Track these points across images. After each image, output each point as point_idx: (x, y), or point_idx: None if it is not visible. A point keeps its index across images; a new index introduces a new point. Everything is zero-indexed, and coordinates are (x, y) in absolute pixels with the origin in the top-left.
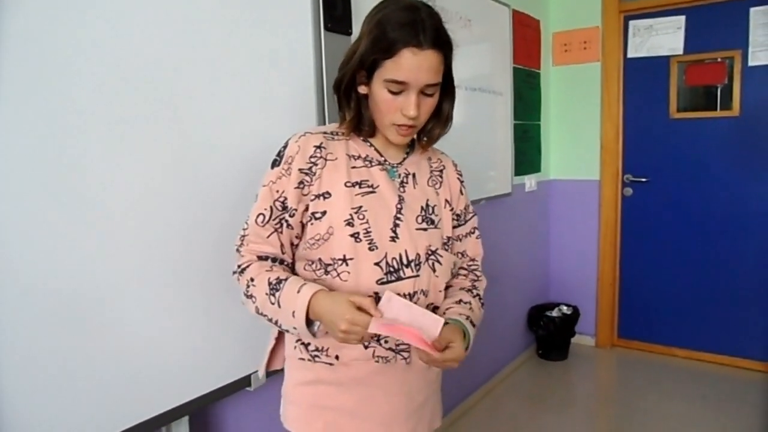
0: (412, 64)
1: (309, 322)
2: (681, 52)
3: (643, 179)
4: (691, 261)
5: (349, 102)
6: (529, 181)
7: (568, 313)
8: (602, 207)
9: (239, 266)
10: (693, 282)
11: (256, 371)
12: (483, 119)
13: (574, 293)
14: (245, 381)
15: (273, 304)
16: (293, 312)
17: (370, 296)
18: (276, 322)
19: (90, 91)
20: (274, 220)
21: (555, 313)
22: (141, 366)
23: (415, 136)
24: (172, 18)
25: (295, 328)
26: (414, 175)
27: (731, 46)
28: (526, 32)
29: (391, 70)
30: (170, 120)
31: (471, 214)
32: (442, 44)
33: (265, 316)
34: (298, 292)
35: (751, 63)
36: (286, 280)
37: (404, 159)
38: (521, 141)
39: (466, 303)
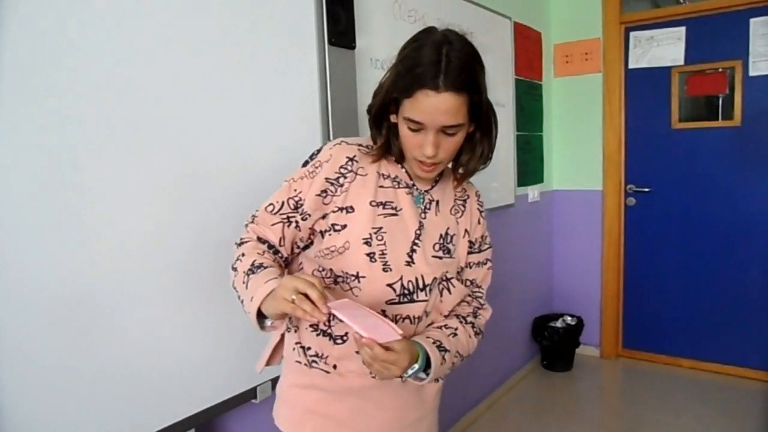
0: (427, 107)
1: (264, 316)
2: (682, 62)
3: (646, 189)
4: (695, 270)
5: (380, 129)
6: (532, 192)
7: (573, 323)
8: (605, 217)
9: (240, 239)
10: (697, 291)
11: (262, 383)
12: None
13: (578, 304)
14: (251, 393)
15: (244, 283)
16: (252, 297)
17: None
18: (242, 302)
19: (93, 96)
20: (282, 214)
21: (559, 323)
22: (146, 378)
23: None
24: (177, 29)
25: (248, 312)
26: (438, 203)
27: (732, 56)
28: (527, 44)
29: (408, 110)
30: (175, 127)
31: (487, 246)
32: (464, 86)
33: (236, 291)
34: (266, 282)
35: (751, 73)
36: (265, 268)
37: (432, 187)
38: (524, 152)
39: (449, 328)
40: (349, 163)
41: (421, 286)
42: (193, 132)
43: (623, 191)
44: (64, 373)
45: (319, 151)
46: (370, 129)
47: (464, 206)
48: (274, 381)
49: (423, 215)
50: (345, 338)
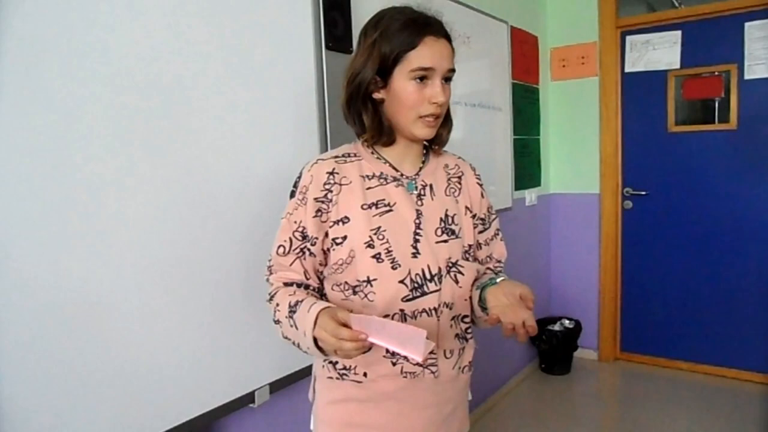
0: (435, 50)
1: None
2: (678, 66)
3: (643, 192)
4: (693, 273)
5: (367, 110)
6: (530, 196)
7: (570, 326)
8: (602, 220)
9: (269, 294)
10: (695, 294)
11: (260, 387)
12: (483, 134)
13: (575, 307)
14: (249, 398)
15: (292, 326)
16: (305, 332)
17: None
18: (298, 345)
19: (91, 99)
20: (295, 249)
21: (557, 327)
22: (144, 383)
23: (427, 143)
24: (174, 33)
25: (308, 348)
26: (431, 187)
27: (727, 60)
28: (524, 48)
29: (416, 59)
30: (173, 131)
31: (494, 216)
32: (450, 38)
33: (289, 339)
34: (308, 311)
35: (747, 76)
36: (302, 301)
37: (420, 169)
38: (521, 155)
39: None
40: (331, 176)
41: (428, 276)
42: (191, 136)
43: (620, 194)
44: (62, 376)
45: (299, 177)
46: (352, 119)
47: (460, 183)
48: (272, 385)
49: (419, 203)
50: (370, 347)
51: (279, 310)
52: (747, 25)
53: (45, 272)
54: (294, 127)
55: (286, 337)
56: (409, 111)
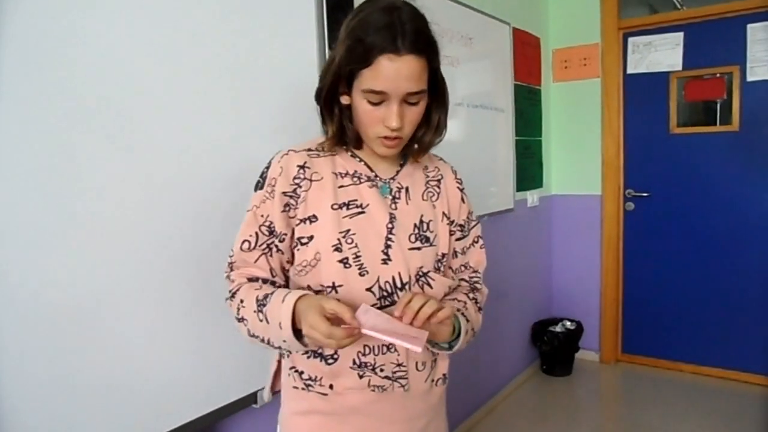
0: (390, 73)
1: (300, 333)
2: (680, 68)
3: (645, 194)
4: (694, 275)
5: (331, 114)
6: (531, 197)
7: (572, 328)
8: (604, 222)
9: (230, 291)
10: (696, 296)
11: (263, 388)
12: (485, 136)
13: (577, 308)
14: (251, 398)
15: (261, 321)
16: (280, 323)
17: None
18: (268, 342)
19: (81, 101)
20: (261, 245)
21: (558, 328)
22: (147, 384)
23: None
24: (175, 30)
25: (284, 341)
26: (407, 189)
27: (730, 62)
28: (526, 49)
29: (368, 80)
30: (174, 130)
31: (474, 222)
32: (424, 48)
33: (257, 337)
34: (283, 301)
35: (749, 78)
36: (272, 293)
37: (398, 172)
38: (523, 157)
39: (461, 302)
40: (301, 171)
41: (399, 285)
42: (189, 139)
43: (622, 196)
44: (63, 378)
45: (268, 167)
46: (321, 117)
47: (439, 187)
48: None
49: (393, 206)
50: (336, 356)
51: (244, 307)
52: (749, 26)
53: (36, 278)
54: (294, 123)
55: (253, 335)
56: (367, 129)
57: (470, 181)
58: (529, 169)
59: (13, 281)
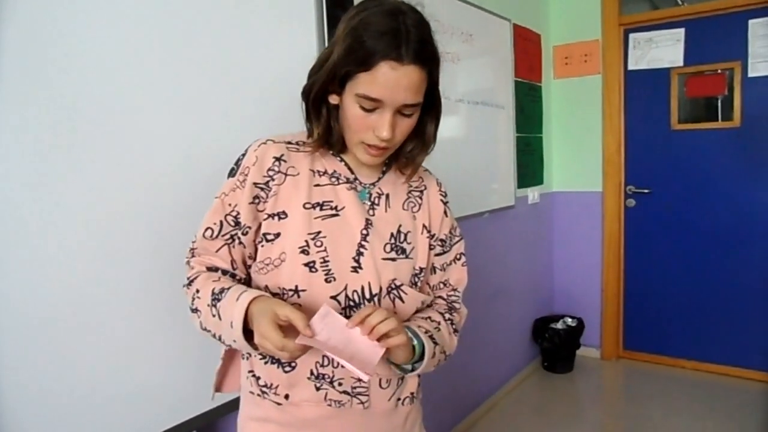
0: (389, 81)
1: (252, 334)
2: (681, 64)
3: (646, 190)
4: (696, 271)
5: (318, 113)
6: (532, 194)
7: (573, 325)
8: (605, 218)
9: (188, 278)
10: (698, 292)
11: None
12: (485, 132)
13: (578, 305)
14: None
15: (214, 316)
16: (231, 322)
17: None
18: (220, 338)
19: (72, 100)
20: (224, 235)
21: (560, 325)
22: (148, 381)
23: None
24: (172, 28)
25: (234, 341)
26: (388, 196)
27: (731, 58)
28: (527, 46)
29: (365, 85)
30: (172, 130)
31: (457, 238)
32: (427, 59)
33: (209, 332)
34: (237, 299)
35: (750, 74)
36: (229, 289)
37: (379, 178)
38: (524, 154)
39: (433, 321)
40: (276, 163)
41: (367, 296)
42: (187, 141)
43: (623, 192)
44: (62, 378)
45: (243, 155)
46: (307, 114)
47: (421, 199)
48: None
49: (371, 212)
50: (294, 364)
51: (199, 298)
52: (751, 22)
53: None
54: (299, 129)
55: (205, 329)
56: (353, 134)
57: (471, 177)
58: (529, 165)
59: None
